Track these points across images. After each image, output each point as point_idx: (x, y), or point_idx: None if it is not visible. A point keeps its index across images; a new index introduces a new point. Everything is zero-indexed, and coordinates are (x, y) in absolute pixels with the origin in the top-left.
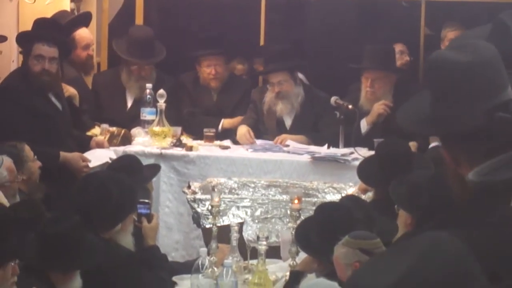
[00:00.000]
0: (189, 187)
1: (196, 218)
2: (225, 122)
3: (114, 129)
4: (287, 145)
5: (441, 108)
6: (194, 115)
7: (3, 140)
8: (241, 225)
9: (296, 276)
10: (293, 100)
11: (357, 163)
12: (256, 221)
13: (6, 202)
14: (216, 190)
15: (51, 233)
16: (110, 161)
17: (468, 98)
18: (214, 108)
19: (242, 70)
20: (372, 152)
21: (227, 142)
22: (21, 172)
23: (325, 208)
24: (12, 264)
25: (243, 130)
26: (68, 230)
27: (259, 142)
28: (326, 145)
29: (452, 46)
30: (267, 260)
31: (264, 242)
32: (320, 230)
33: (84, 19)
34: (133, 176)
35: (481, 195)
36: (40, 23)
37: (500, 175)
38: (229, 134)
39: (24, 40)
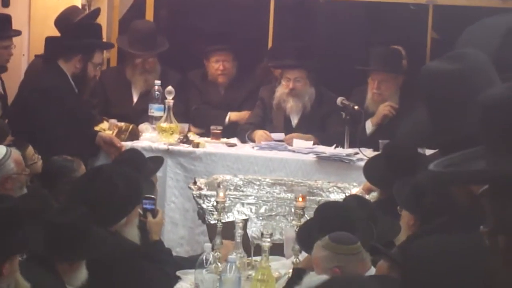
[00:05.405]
0: (195, 183)
1: (201, 214)
2: (231, 115)
3: (122, 124)
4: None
5: (438, 120)
6: (201, 111)
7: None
8: (245, 221)
9: (298, 273)
10: (304, 100)
11: (361, 163)
12: (261, 218)
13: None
14: (221, 186)
15: (57, 223)
16: None
17: (462, 105)
18: (222, 103)
19: None
20: (377, 153)
21: (233, 140)
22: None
23: (323, 208)
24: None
25: (259, 132)
26: (75, 220)
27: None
28: (334, 146)
29: (441, 57)
30: (270, 257)
31: (268, 239)
32: (318, 229)
33: (93, 15)
34: (138, 169)
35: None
36: (97, 28)
37: (465, 167)
38: (236, 128)
39: (86, 45)
